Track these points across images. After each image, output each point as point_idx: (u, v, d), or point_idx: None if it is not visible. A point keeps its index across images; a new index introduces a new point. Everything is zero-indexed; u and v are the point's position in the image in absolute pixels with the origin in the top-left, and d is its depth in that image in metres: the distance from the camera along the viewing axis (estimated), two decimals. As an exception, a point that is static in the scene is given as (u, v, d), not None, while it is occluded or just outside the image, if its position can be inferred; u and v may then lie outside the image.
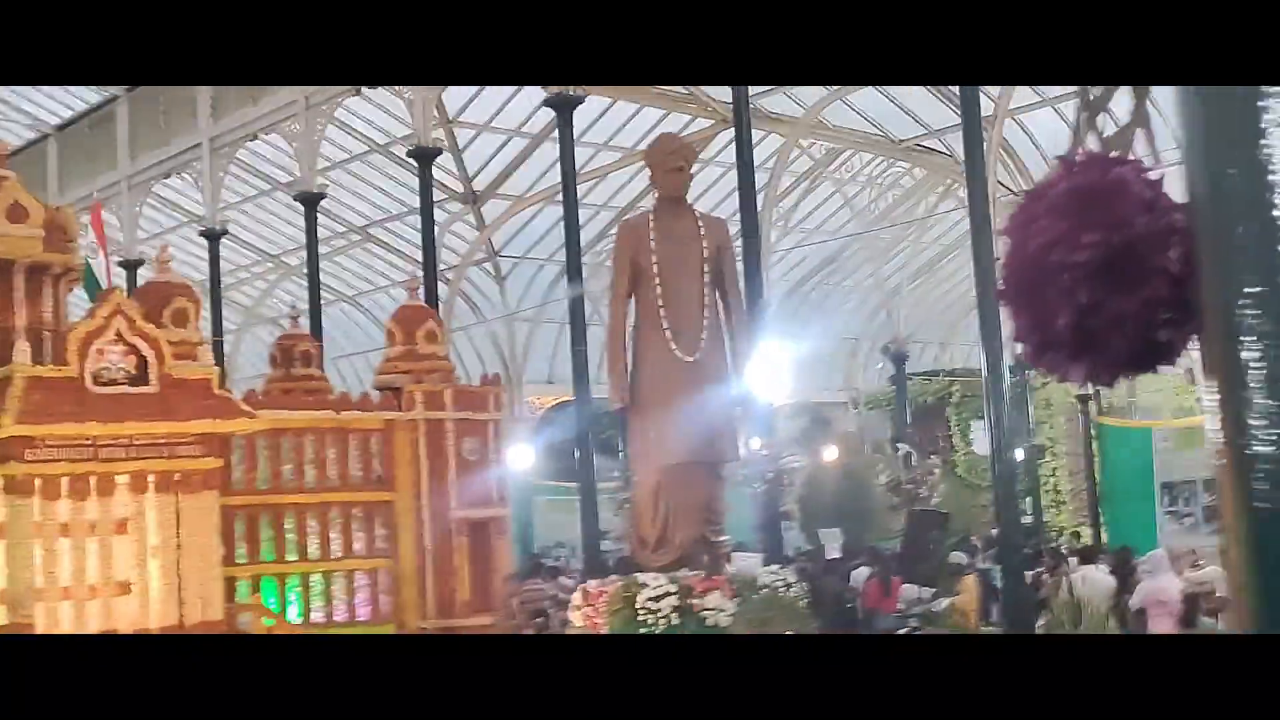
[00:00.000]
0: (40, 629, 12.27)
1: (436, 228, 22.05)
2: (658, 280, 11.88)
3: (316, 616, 15.75)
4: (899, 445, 23.33)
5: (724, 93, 20.66)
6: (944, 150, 23.75)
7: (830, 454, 26.69)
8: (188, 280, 17.36)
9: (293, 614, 15.50)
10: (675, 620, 11.06)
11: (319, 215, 23.26)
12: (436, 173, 22.34)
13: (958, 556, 14.14)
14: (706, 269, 11.97)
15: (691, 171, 12.54)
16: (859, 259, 32.64)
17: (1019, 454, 29.33)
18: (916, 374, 31.46)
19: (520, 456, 26.07)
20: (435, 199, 21.99)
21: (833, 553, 22.08)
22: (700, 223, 12.26)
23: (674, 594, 11.15)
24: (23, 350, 12.72)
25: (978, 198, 13.30)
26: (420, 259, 29.77)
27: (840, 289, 34.81)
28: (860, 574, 18.86)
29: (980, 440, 29.86)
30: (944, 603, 11.63)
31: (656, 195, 12.45)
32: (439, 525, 16.52)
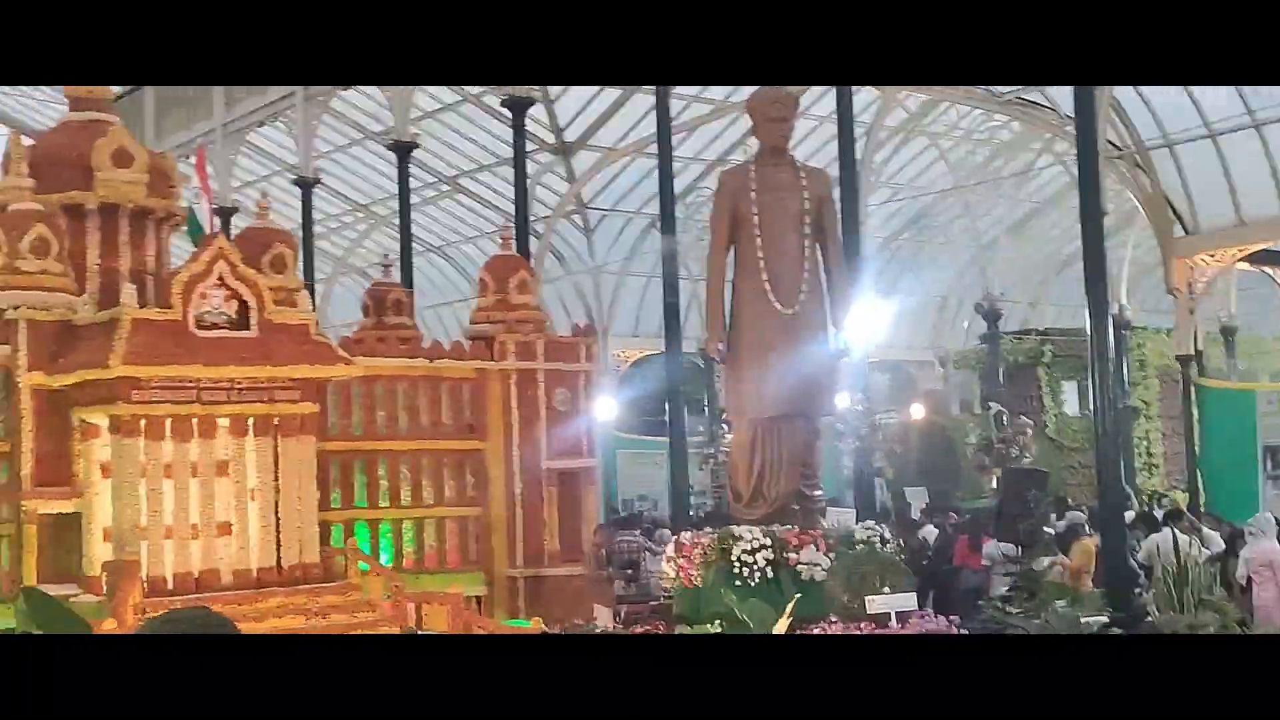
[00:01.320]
0: (144, 567, 12.49)
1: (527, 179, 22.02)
2: (758, 231, 11.81)
3: (407, 563, 15.88)
4: (990, 404, 23.06)
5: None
6: (1047, 104, 23.26)
7: (916, 412, 26.47)
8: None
9: (384, 560, 15.64)
10: (769, 574, 11.05)
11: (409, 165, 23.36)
12: (526, 124, 22.30)
13: (1075, 516, 13.96)
14: (807, 220, 11.88)
15: (792, 121, 12.43)
16: (951, 214, 32.24)
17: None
18: (1007, 333, 31.07)
19: (605, 409, 26.11)
20: (526, 150, 21.95)
21: (917, 511, 21.96)
22: (801, 173, 12.17)
23: (769, 547, 11.14)
24: (130, 292, 12.90)
25: (1087, 154, 12.98)
26: (508, 210, 29.95)
27: (930, 245, 34.42)
28: (929, 532, 18.74)
29: (1070, 401, 29.51)
30: (1045, 562, 11.49)
31: (759, 146, 12.35)
32: (529, 475, 16.57)
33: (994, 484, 21.80)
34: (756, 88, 12.33)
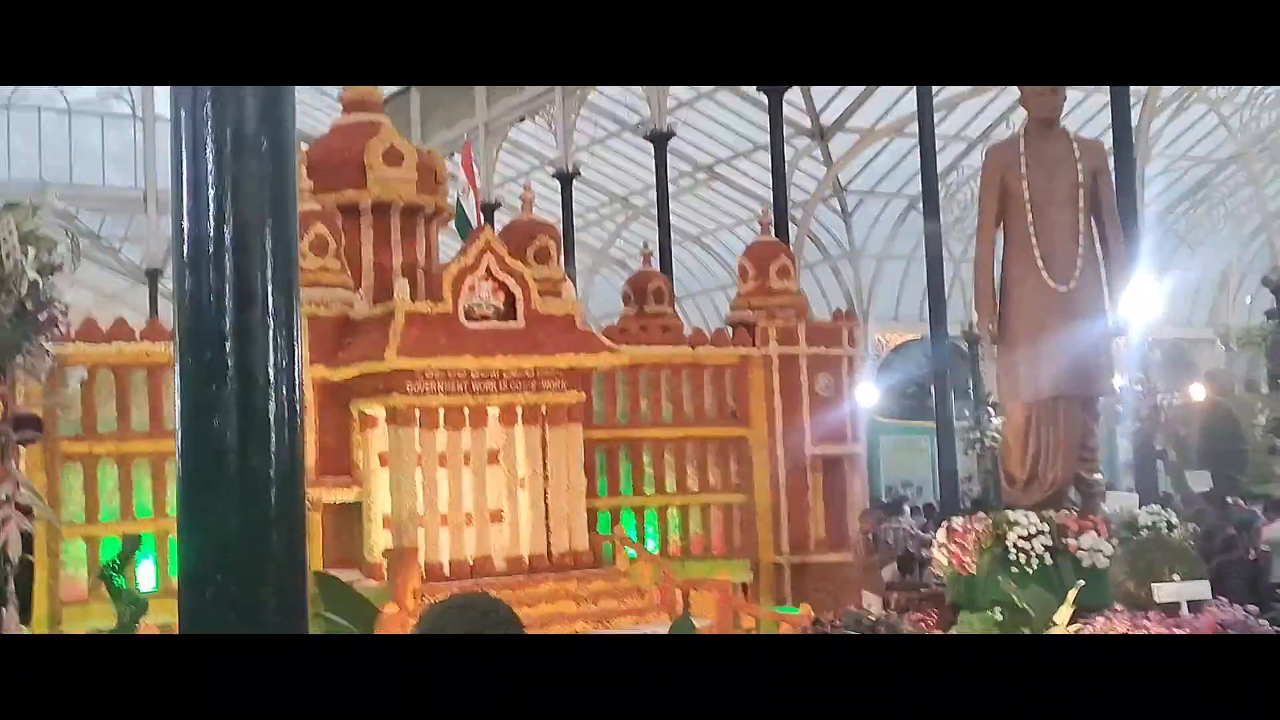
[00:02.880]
0: (422, 554, 12.87)
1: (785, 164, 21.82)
2: (1029, 207, 11.36)
3: (672, 550, 15.96)
4: (1280, 383, 21.79)
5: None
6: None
7: (1197, 393, 25.20)
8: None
9: (650, 547, 15.76)
10: (1048, 560, 10.63)
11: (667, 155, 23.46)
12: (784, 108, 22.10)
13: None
14: (1082, 194, 11.38)
15: (1064, 92, 11.93)
16: (1233, 184, 30.58)
17: None
18: (1296, 308, 29.27)
19: (866, 394, 25.73)
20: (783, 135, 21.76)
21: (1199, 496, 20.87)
22: (1075, 145, 11.64)
23: (1046, 533, 10.71)
24: (403, 287, 13.31)
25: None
26: (764, 197, 29.82)
27: (1209, 218, 32.75)
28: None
29: (1367, 379, 27.61)
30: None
31: (1027, 118, 11.89)
32: (793, 461, 16.44)
33: (1287, 467, 20.60)
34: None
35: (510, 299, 13.69)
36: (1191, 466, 24.30)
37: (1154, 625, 9.42)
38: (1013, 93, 26.63)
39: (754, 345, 16.64)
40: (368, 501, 13.65)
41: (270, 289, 2.57)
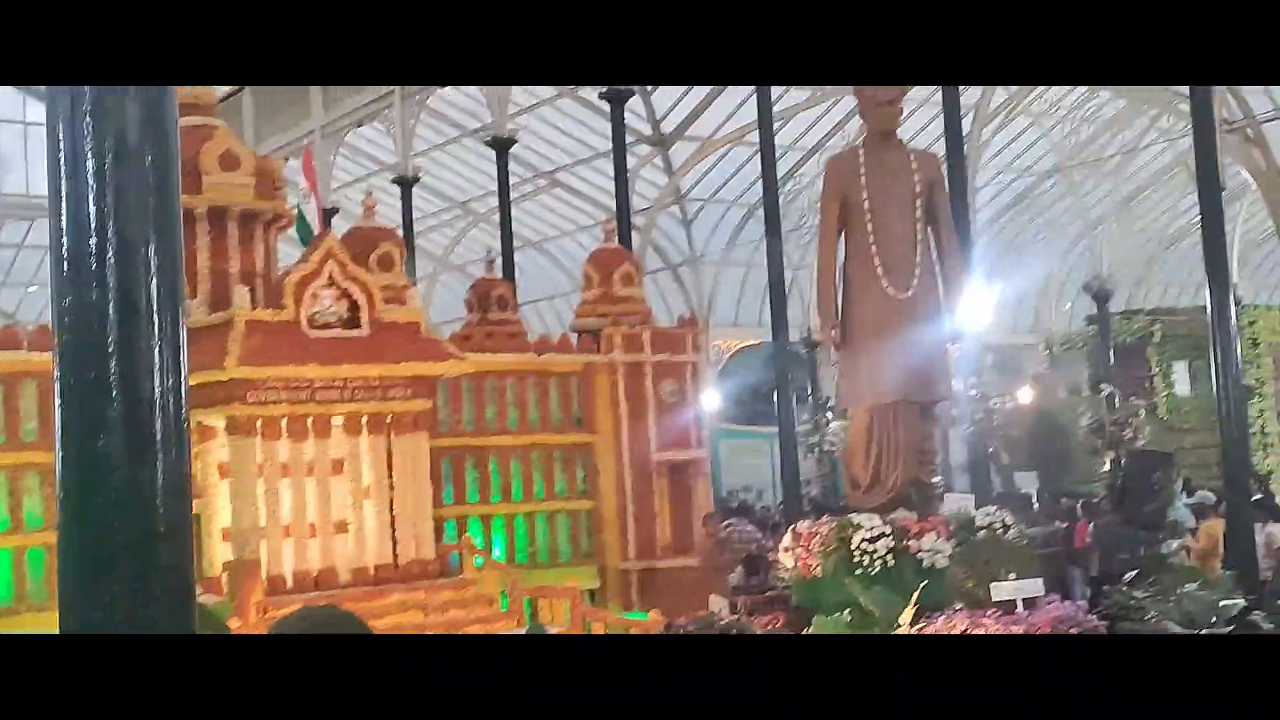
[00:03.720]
0: (264, 566, 12.63)
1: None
2: (869, 216, 11.63)
3: (520, 558, 15.93)
4: (1102, 386, 22.60)
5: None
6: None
7: (1024, 396, 26.04)
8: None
9: (496, 555, 15.70)
10: (891, 561, 10.87)
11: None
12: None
13: (1204, 496, 13.62)
14: (918, 204, 11.68)
15: (900, 104, 12.23)
16: (1054, 195, 31.66)
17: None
18: (1116, 313, 30.47)
19: (707, 400, 26.00)
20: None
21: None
22: (912, 156, 11.95)
23: (889, 535, 10.96)
24: (242, 294, 13.05)
25: (1204, 130, 12.61)
26: (604, 203, 29.93)
27: (1031, 226, 33.86)
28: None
29: (1182, 381, 28.87)
30: (1174, 545, 11.23)
31: (866, 129, 12.17)
32: (639, 467, 16.55)
33: (1107, 468, 21.38)
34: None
35: (354, 306, 13.52)
36: (1021, 468, 25.14)
37: (992, 623, 9.72)
38: (847, 104, 27.24)
39: (599, 352, 16.71)
40: (206, 514, 13.33)
41: (156, 302, 2.51)
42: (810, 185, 28.63)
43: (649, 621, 12.22)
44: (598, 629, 12.96)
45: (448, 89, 25.02)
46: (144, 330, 2.53)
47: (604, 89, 21.03)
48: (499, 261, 22.04)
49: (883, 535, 10.93)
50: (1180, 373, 28.64)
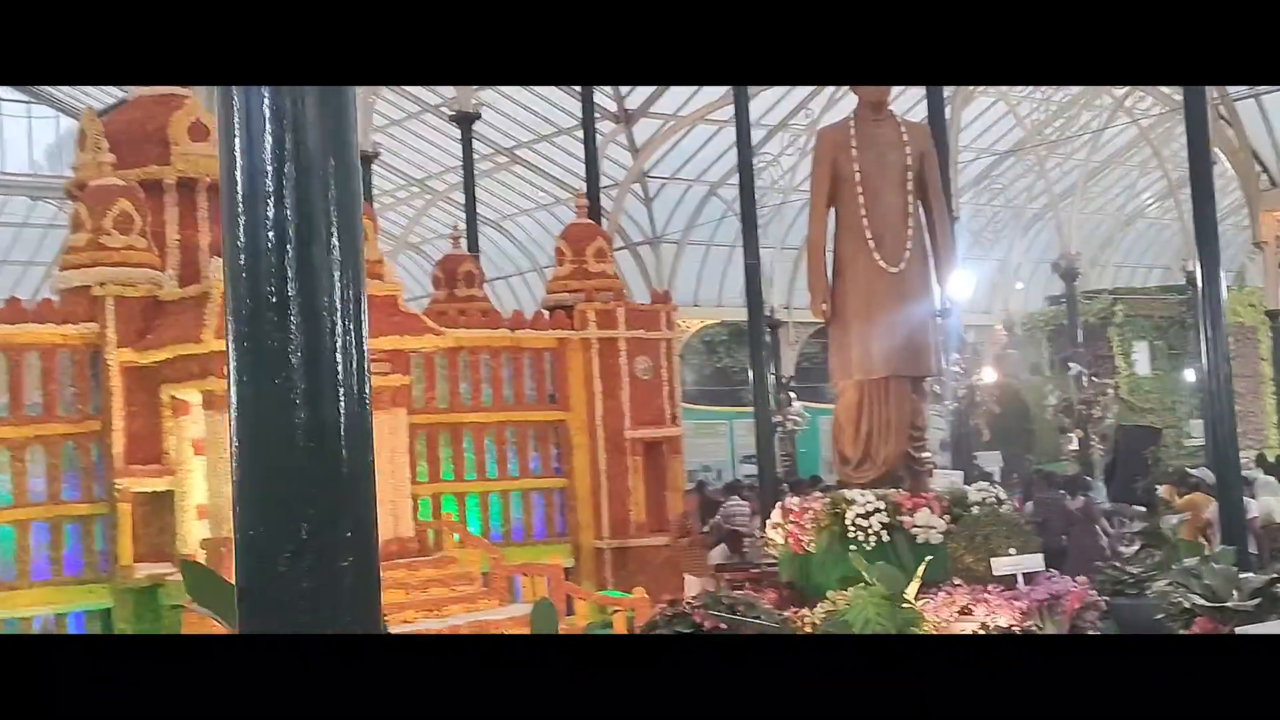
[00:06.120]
0: (242, 543, 12.35)
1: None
2: (860, 189, 11.50)
3: (494, 536, 15.73)
4: (1070, 365, 22.64)
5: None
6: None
7: (989, 375, 26.10)
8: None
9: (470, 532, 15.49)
10: (885, 537, 10.78)
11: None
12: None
13: (1203, 473, 13.61)
14: (910, 176, 11.57)
15: (892, 76, 12.10)
16: (1011, 176, 31.73)
17: (1188, 375, 28.65)
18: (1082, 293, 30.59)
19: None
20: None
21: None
22: (903, 129, 11.82)
23: (883, 510, 10.86)
24: (218, 266, 12.71)
25: (1196, 106, 12.53)
26: (564, 181, 29.66)
27: (989, 208, 33.96)
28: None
29: (1142, 361, 29.07)
30: (1174, 520, 11.20)
31: (857, 102, 12.02)
32: (612, 444, 16.37)
33: (1074, 446, 21.44)
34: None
35: (331, 280, 13.24)
36: (984, 447, 25.18)
37: (993, 598, 9.65)
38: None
39: (573, 328, 16.51)
40: (180, 490, 13.05)
41: (339, 298, 2.29)
42: (771, 164, 28.54)
43: (633, 600, 12.05)
44: (580, 606, 12.79)
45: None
46: (326, 329, 2.31)
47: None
48: (464, 238, 21.75)
49: (877, 510, 10.84)
50: (1141, 353, 28.84)
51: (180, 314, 13.03)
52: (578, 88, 20.99)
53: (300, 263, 2.24)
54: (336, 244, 2.31)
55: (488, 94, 25.90)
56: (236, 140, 2.27)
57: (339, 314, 2.31)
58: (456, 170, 23.57)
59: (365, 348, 2.39)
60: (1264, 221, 20.05)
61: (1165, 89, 22.04)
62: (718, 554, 13.54)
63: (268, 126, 2.23)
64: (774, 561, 12.32)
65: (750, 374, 18.08)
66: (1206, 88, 13.33)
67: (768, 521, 12.26)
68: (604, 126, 26.76)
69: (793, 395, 27.24)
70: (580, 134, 21.84)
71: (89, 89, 30.19)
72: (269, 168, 2.22)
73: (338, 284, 2.31)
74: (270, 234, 2.22)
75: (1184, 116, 12.86)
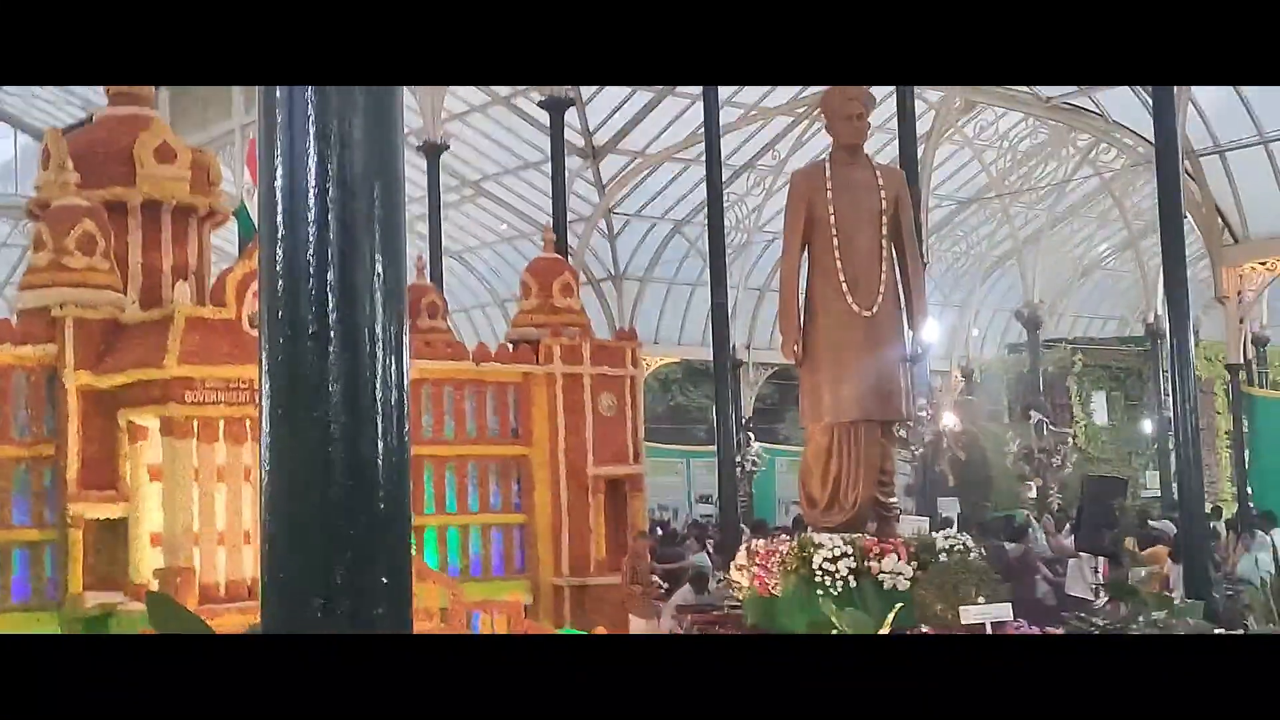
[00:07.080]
0: (197, 573, 12.12)
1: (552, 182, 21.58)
2: (835, 231, 11.48)
3: (453, 571, 15.51)
4: (1032, 413, 22.73)
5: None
6: (1094, 109, 22.83)
7: (949, 421, 26.18)
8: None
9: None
10: (852, 582, 10.70)
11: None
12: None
13: (1165, 525, 13.59)
14: (884, 220, 11.57)
15: (868, 118, 12.09)
16: (974, 221, 31.93)
17: (1147, 425, 28.87)
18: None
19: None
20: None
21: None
22: (878, 173, 11.84)
23: (850, 555, 10.79)
24: (183, 290, 12.54)
25: (1168, 158, 12.60)
26: (528, 214, 29.57)
27: (949, 255, 34.15)
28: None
29: (1100, 411, 29.23)
30: (1143, 573, 11.18)
31: (832, 144, 12.02)
32: (575, 481, 16.19)
33: (1033, 494, 21.49)
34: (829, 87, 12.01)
35: (296, 307, 13.06)
36: (943, 494, 25.20)
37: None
38: (777, 124, 27.24)
39: (537, 363, 16.36)
40: (134, 517, 12.77)
41: (379, 326, 2.18)
42: (737, 204, 28.57)
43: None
44: (540, 646, 12.59)
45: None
46: (366, 360, 2.19)
47: (543, 97, 20.74)
48: (427, 269, 21.58)
49: (844, 555, 10.77)
50: (1099, 402, 29.02)
51: (142, 338, 12.80)
52: (546, 122, 20.90)
53: (343, 288, 2.11)
54: (380, 269, 2.19)
55: (454, 126, 25.81)
56: (279, 159, 2.15)
57: (379, 343, 2.19)
58: (422, 201, 23.35)
59: (406, 380, 2.27)
60: (1226, 277, 20.23)
61: (1129, 141, 22.22)
62: (681, 595, 13.40)
63: (312, 145, 2.11)
64: (738, 604, 12.22)
65: (714, 413, 18.03)
66: (1180, 138, 13.40)
67: (732, 563, 12.19)
68: (571, 162, 26.73)
69: (751, 435, 27.20)
70: (547, 168, 21.79)
71: (49, 107, 29.94)
72: (312, 187, 2.11)
73: (380, 311, 2.19)
74: (311, 257, 2.10)
75: (1155, 169, 12.94)
